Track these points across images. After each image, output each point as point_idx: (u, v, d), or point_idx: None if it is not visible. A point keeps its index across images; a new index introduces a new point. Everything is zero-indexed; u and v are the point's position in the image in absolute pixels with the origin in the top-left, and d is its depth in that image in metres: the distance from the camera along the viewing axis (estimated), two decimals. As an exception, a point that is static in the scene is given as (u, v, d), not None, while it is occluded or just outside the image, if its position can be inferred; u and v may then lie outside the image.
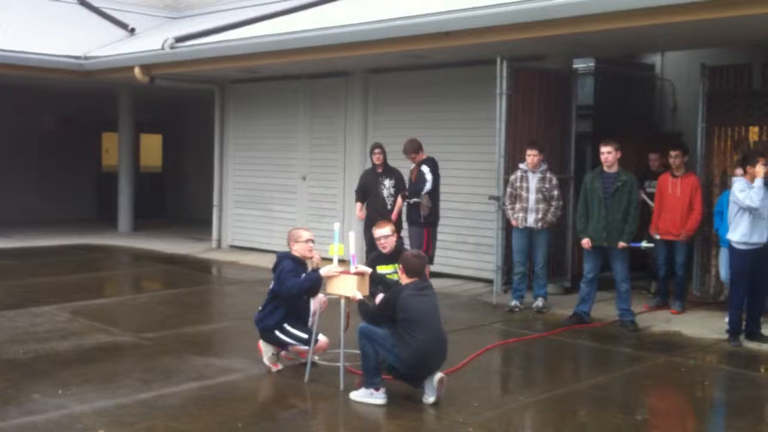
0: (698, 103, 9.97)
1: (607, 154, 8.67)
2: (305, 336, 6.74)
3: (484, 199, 10.18)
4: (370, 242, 10.15)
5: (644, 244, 8.66)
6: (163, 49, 13.17)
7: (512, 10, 8.95)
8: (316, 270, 6.71)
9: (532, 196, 9.40)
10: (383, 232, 7.03)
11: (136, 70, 13.86)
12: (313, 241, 6.99)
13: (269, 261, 7.06)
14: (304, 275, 6.77)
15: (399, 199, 10.29)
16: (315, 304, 6.84)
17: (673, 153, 9.38)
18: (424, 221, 9.88)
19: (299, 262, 6.89)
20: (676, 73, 12.91)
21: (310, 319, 6.84)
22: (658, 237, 9.38)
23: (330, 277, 6.57)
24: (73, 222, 18.21)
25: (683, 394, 6.91)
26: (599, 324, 8.88)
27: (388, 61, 11.83)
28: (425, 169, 9.91)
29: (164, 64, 13.64)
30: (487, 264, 10.44)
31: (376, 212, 10.24)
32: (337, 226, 6.69)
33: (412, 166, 10.08)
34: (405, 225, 10.32)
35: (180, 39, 13.21)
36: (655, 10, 7.95)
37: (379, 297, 6.57)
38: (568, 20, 8.60)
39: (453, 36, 9.63)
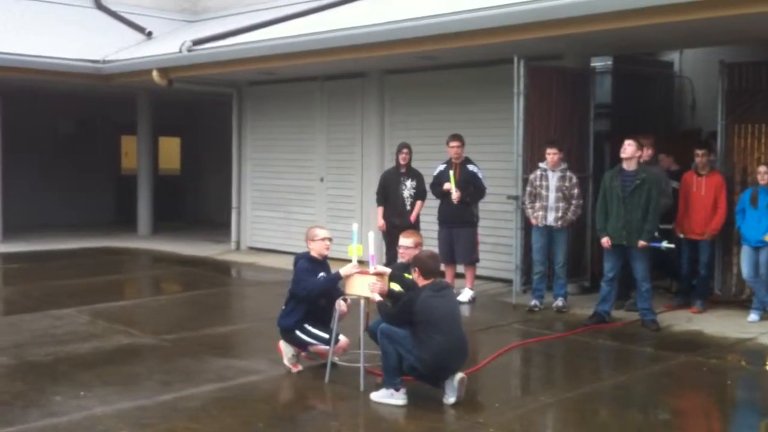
0: (717, 100, 9.90)
1: (627, 145, 8.63)
2: (326, 336, 6.73)
3: (503, 198, 10.15)
4: (390, 250, 10.16)
5: (665, 244, 8.60)
6: (180, 52, 13.23)
7: (527, 9, 8.93)
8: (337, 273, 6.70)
9: (552, 195, 9.36)
10: (406, 243, 6.93)
11: (154, 74, 13.92)
12: (330, 240, 6.98)
13: (288, 262, 7.06)
14: (322, 274, 6.76)
15: (419, 202, 10.26)
16: (338, 308, 6.79)
17: (699, 151, 9.29)
18: (477, 221, 10.00)
19: (316, 262, 6.88)
20: (695, 70, 12.83)
21: (333, 322, 6.80)
22: (681, 236, 9.32)
23: (349, 277, 6.57)
24: (92, 225, 18.32)
25: (706, 394, 6.84)
26: (620, 323, 8.82)
27: (404, 62, 11.82)
28: (474, 169, 9.93)
29: (182, 67, 13.70)
30: (506, 264, 10.40)
31: (394, 212, 10.22)
32: (355, 226, 6.68)
33: (441, 165, 10.05)
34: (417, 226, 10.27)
35: (197, 42, 13.26)
36: (671, 7, 7.90)
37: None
38: (583, 18, 8.57)
39: (469, 36, 9.61)
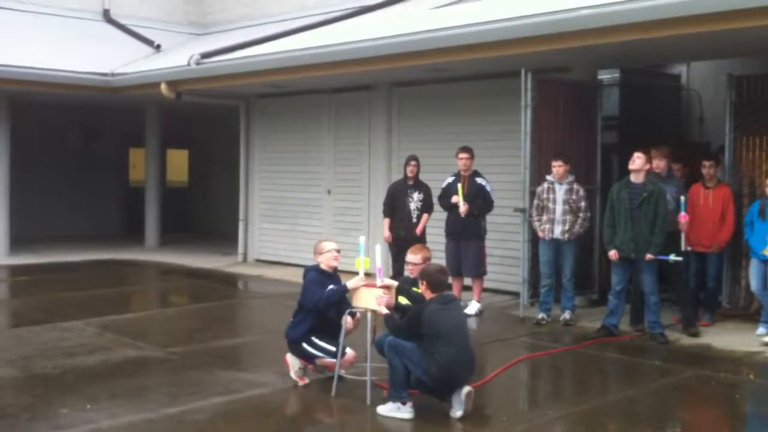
0: (725, 113, 9.87)
1: (636, 158, 8.62)
2: (333, 349, 6.71)
3: (510, 211, 10.14)
4: (396, 262, 10.15)
5: (672, 257, 8.57)
6: (189, 65, 13.27)
7: (535, 22, 8.94)
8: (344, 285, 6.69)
9: (559, 208, 9.34)
10: (413, 259, 6.90)
11: (163, 87, 13.97)
12: (338, 251, 6.97)
13: (295, 275, 7.08)
14: (330, 287, 6.75)
15: (425, 215, 10.25)
16: (344, 324, 6.77)
17: (706, 163, 9.27)
18: (484, 233, 10.00)
19: (325, 274, 6.88)
20: (703, 82, 12.82)
21: (341, 335, 6.77)
22: (689, 249, 9.27)
23: (356, 290, 6.56)
24: (100, 237, 18.36)
25: (714, 408, 6.81)
26: (628, 337, 8.79)
27: (412, 75, 11.84)
28: (483, 182, 9.93)
29: (190, 80, 13.75)
30: (514, 276, 10.38)
31: (400, 224, 10.22)
32: (362, 239, 6.67)
33: (450, 177, 10.07)
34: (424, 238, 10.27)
35: (205, 55, 13.31)
36: (679, 20, 7.90)
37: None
38: (591, 31, 8.57)
39: (477, 49, 9.62)
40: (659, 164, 9.14)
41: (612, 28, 8.41)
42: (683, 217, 8.78)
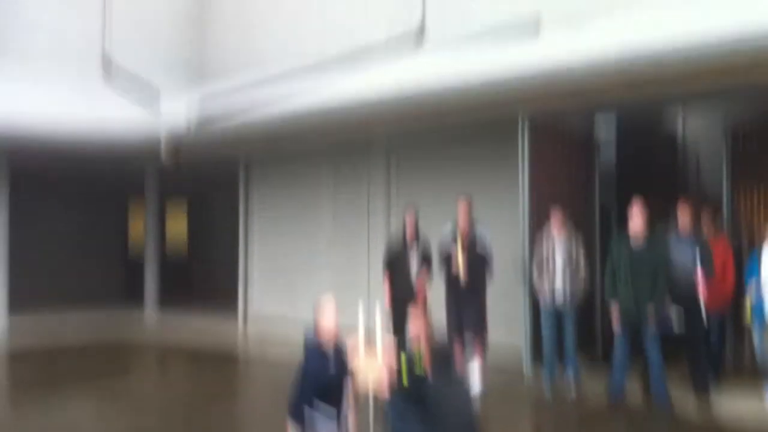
0: (722, 162, 9.84)
1: (635, 215, 8.50)
2: (333, 419, 6.49)
3: (508, 263, 10.00)
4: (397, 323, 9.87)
5: (674, 317, 8.37)
6: (188, 128, 13.32)
7: (533, 83, 8.92)
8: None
9: (560, 259, 9.19)
10: (414, 329, 6.70)
11: (162, 151, 14.06)
12: (336, 310, 6.62)
13: (297, 342, 6.69)
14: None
15: (425, 273, 9.92)
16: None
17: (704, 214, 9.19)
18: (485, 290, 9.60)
19: (322, 348, 6.42)
20: (700, 132, 12.79)
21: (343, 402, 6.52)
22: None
23: (355, 355, 6.35)
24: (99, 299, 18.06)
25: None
26: (633, 407, 8.54)
27: (411, 127, 11.78)
28: (484, 232, 9.53)
29: (188, 144, 13.87)
30: (514, 329, 10.15)
31: (400, 288, 9.89)
32: (360, 313, 6.46)
33: (447, 229, 9.82)
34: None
35: (204, 120, 13.30)
36: (675, 76, 7.93)
37: None
38: (589, 87, 8.60)
39: (474, 108, 9.63)
40: (684, 221, 8.78)
41: (607, 84, 8.43)
42: (703, 290, 8.48)
